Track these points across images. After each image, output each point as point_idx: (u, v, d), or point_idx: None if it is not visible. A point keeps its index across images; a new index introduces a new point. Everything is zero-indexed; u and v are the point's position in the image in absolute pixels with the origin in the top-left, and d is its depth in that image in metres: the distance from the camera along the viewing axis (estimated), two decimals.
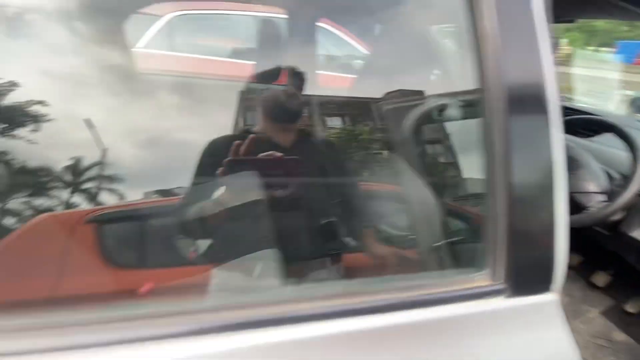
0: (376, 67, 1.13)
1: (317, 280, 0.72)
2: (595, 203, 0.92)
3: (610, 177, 0.97)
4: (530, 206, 0.43)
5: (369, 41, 1.34)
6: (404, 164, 0.83)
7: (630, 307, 1.13)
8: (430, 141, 1.00)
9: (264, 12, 1.47)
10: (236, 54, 1.85)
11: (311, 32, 1.06)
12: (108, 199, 0.71)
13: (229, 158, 0.61)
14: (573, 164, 0.98)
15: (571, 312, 1.06)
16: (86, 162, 0.67)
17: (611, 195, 0.90)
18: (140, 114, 0.78)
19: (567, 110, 1.34)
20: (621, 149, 0.96)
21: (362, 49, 1.87)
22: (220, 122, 0.81)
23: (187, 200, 0.69)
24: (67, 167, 0.67)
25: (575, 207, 0.95)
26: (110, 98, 0.75)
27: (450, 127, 0.92)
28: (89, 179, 0.68)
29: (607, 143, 1.11)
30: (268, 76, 0.82)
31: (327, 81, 1.60)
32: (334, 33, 2.05)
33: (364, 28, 1.42)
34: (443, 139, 0.95)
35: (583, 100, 1.91)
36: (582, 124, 1.16)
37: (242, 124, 0.84)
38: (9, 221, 0.66)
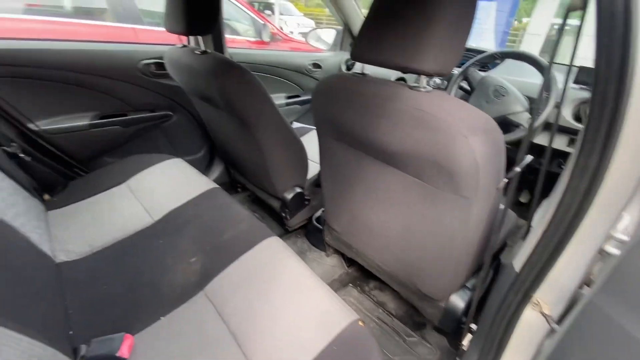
0: None
1: None
2: (525, 121, 1.13)
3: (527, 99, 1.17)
4: None
5: None
6: None
7: (522, 198, 1.66)
8: None
9: None
10: None
11: None
12: None
13: None
14: (501, 91, 1.21)
15: None
16: None
17: (532, 111, 0.98)
18: None
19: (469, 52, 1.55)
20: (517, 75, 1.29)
21: None
22: None
23: None
24: None
25: (509, 126, 1.16)
26: None
27: None
28: None
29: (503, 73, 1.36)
30: None
31: None
32: None
33: None
34: None
35: None
36: (486, 59, 1.35)
37: None
38: None
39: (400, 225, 0.82)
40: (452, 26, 0.55)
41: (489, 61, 1.39)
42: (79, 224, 0.99)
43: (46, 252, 0.84)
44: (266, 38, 2.50)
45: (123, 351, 0.64)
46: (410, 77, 1.61)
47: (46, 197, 1.13)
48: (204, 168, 1.65)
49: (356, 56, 0.68)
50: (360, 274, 1.30)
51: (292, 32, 7.09)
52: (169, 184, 1.13)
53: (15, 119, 1.13)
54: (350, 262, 1.33)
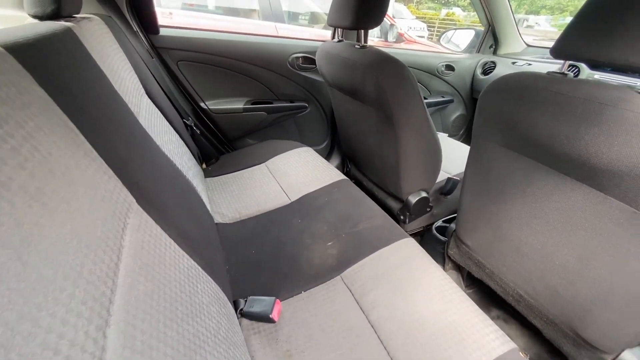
0: None
1: None
2: None
3: None
4: None
5: None
6: None
7: None
8: None
9: None
10: None
11: None
12: None
13: None
14: None
15: None
16: None
17: None
18: None
19: None
20: None
21: None
22: None
23: None
24: None
25: None
26: None
27: None
28: None
29: None
30: None
31: None
32: None
33: None
34: None
35: None
36: None
37: None
38: None
39: (575, 255, 0.70)
40: None
41: None
42: (229, 193, 1.14)
43: (209, 211, 0.98)
44: (392, 39, 2.49)
45: (274, 314, 0.69)
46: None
47: (204, 166, 1.33)
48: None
49: (564, 52, 0.59)
50: (480, 298, 1.17)
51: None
52: (302, 169, 1.21)
53: (192, 97, 1.36)
54: (469, 282, 1.21)
